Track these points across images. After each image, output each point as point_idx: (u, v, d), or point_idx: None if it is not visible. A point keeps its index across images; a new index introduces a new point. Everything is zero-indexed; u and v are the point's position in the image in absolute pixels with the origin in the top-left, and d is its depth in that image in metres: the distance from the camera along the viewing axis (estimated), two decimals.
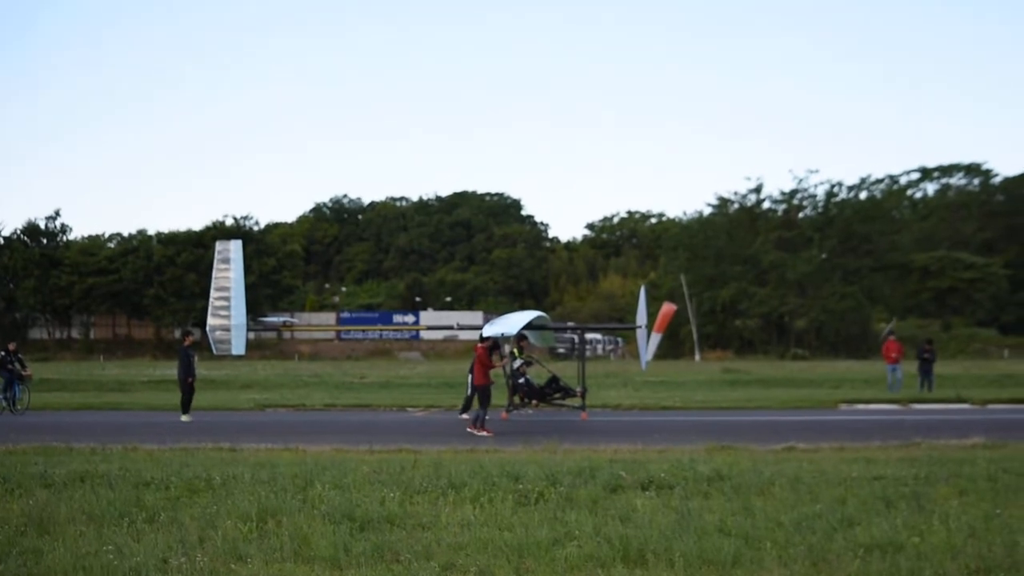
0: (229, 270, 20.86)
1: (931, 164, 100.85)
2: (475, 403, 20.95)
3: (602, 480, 10.94)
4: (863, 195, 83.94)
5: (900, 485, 10.63)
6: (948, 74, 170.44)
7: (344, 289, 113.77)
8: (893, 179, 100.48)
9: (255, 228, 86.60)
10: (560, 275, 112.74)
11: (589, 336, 71.91)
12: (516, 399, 23.80)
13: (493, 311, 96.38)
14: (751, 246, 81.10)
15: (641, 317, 24.89)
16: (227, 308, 20.64)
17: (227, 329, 20.55)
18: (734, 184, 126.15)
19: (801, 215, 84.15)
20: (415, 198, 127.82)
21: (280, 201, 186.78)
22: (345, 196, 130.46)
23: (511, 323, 22.30)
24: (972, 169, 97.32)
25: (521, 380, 23.64)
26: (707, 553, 7.45)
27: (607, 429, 20.27)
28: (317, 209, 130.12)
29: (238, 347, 20.65)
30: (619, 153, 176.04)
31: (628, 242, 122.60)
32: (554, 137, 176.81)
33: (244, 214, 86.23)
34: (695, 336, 74.74)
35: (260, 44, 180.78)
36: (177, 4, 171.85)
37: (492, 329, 21.74)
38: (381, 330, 75.35)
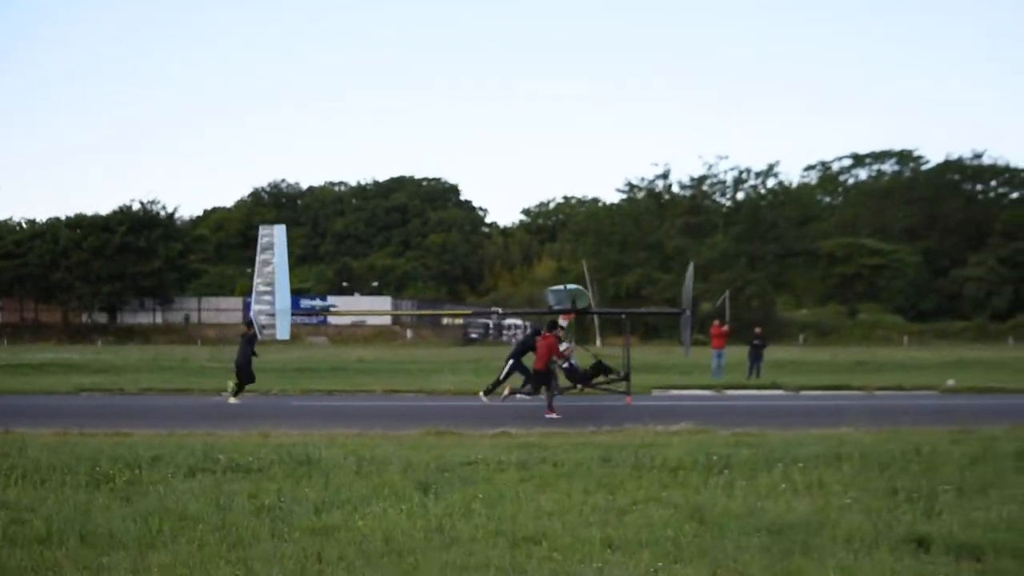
0: (272, 255, 20.88)
1: (863, 151, 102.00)
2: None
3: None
4: (771, 182, 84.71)
5: None
6: (885, 59, 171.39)
7: None
8: (825, 165, 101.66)
9: (162, 213, 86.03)
10: (495, 260, 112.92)
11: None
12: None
13: (422, 296, 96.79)
14: (657, 232, 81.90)
15: (687, 300, 23.59)
16: (271, 294, 20.86)
17: (271, 314, 20.72)
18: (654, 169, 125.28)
19: (709, 201, 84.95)
20: (353, 183, 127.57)
21: (218, 186, 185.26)
22: (284, 181, 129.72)
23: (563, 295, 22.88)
24: (904, 156, 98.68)
25: (565, 365, 22.95)
26: None
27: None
28: (255, 194, 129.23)
29: (283, 332, 20.64)
30: (557, 138, 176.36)
31: (563, 227, 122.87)
32: (493, 122, 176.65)
33: (151, 198, 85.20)
34: (596, 322, 75.25)
35: (197, 24, 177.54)
36: None
37: (555, 296, 22.94)
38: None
